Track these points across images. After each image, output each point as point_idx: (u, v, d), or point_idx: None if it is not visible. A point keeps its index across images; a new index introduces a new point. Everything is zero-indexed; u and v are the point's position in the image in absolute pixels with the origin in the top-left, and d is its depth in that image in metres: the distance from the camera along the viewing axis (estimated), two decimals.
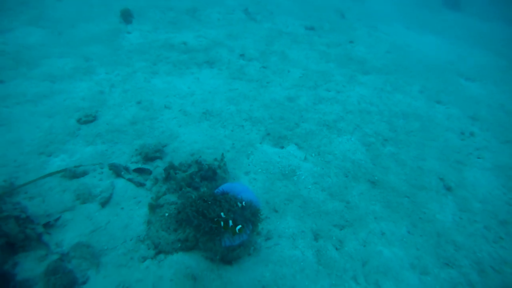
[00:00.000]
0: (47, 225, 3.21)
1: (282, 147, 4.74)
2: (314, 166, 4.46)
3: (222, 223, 2.57)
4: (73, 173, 3.83)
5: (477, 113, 6.75)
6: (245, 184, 3.98)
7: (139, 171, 4.07)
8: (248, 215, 2.74)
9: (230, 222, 2.57)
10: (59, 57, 6.13)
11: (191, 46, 7.36)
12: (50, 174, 3.78)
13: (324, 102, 6.11)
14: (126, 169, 4.08)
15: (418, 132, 5.73)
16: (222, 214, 2.66)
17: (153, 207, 3.23)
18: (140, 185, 3.89)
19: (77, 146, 4.30)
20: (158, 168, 4.09)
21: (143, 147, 4.30)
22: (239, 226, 2.58)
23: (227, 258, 3.07)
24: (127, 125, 4.74)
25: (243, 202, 2.79)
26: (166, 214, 3.15)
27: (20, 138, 4.19)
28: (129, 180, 3.92)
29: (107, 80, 5.71)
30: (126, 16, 8.30)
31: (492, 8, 18.91)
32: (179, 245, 3.04)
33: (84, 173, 3.92)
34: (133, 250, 3.10)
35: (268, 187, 4.06)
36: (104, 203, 3.59)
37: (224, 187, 3.12)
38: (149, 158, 4.26)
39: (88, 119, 4.72)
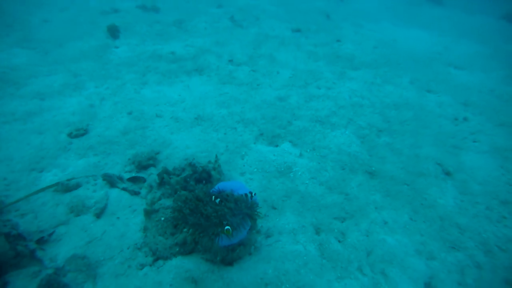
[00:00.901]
0: (40, 241, 3.12)
1: (277, 146, 4.70)
2: (310, 162, 4.42)
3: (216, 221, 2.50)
4: (65, 187, 3.75)
5: (468, 99, 6.77)
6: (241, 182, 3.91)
7: (133, 180, 4.00)
8: (245, 208, 2.67)
9: (224, 223, 2.51)
10: (47, 75, 6.10)
11: (179, 55, 7.37)
12: (42, 190, 3.71)
13: (315, 99, 6.11)
14: (120, 178, 4.01)
15: (411, 121, 5.72)
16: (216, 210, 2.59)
17: (149, 213, 3.16)
18: (135, 193, 3.82)
19: (69, 160, 4.24)
20: (152, 175, 4.02)
21: (136, 156, 4.25)
22: (227, 227, 2.51)
23: (228, 259, 2.99)
24: (119, 135, 4.69)
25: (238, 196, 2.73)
26: (162, 219, 3.08)
27: (9, 157, 4.11)
28: (124, 189, 3.85)
29: (97, 94, 5.67)
30: (113, 32, 8.33)
31: (474, 2, 19.24)
32: (177, 249, 2.96)
33: (77, 186, 3.85)
34: (130, 258, 3.01)
35: (265, 186, 4.00)
36: (99, 214, 3.52)
37: (220, 185, 3.05)
38: (142, 166, 4.20)
39: (79, 133, 4.67)
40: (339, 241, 3.37)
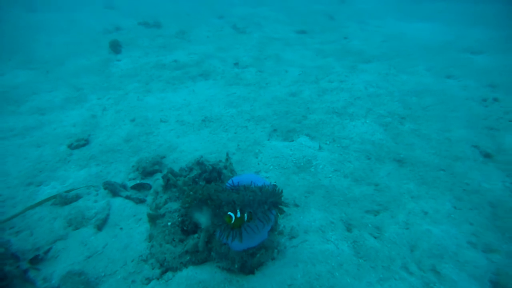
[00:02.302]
0: (35, 260, 2.75)
1: (293, 140, 4.29)
2: (331, 154, 3.98)
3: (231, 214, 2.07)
4: (64, 199, 3.41)
5: (494, 81, 6.25)
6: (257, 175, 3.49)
7: (137, 187, 3.64)
8: (271, 197, 2.25)
9: (238, 213, 2.08)
10: (49, 91, 5.91)
11: (183, 62, 7.14)
12: (39, 204, 3.37)
13: (328, 92, 5.72)
14: (123, 186, 3.65)
15: (435, 105, 5.25)
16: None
17: (153, 218, 2.76)
18: (140, 201, 3.45)
19: (69, 172, 3.92)
20: (158, 181, 3.64)
21: (140, 161, 3.90)
22: (229, 213, 2.10)
23: (248, 266, 2.55)
24: (121, 143, 4.37)
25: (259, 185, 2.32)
26: (169, 224, 2.68)
27: (5, 172, 3.82)
28: (127, 197, 3.48)
29: (99, 105, 5.42)
30: (115, 46, 8.21)
31: None
32: (188, 257, 2.54)
33: (77, 197, 3.50)
34: (135, 272, 2.60)
35: (284, 183, 3.57)
36: (101, 225, 3.14)
37: (235, 179, 2.65)
38: (147, 172, 3.84)
39: (80, 143, 4.37)
40: (374, 237, 2.89)
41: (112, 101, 5.54)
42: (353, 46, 8.76)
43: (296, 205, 3.21)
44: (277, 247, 2.76)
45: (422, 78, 6.49)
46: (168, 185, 3.13)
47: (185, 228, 2.61)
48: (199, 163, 3.24)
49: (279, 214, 2.44)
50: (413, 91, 5.83)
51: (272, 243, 2.68)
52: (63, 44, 8.86)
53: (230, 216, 2.07)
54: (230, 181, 2.65)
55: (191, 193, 2.23)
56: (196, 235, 2.59)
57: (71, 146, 4.34)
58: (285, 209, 3.01)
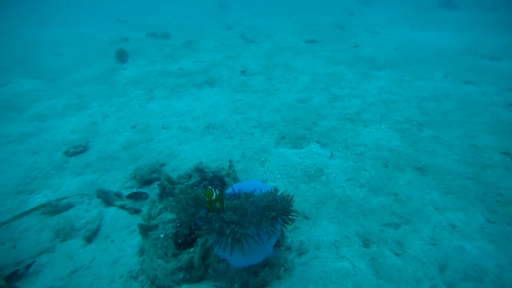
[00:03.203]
0: (13, 276, 2.47)
1: (302, 148, 3.98)
2: (345, 162, 3.65)
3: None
4: (54, 208, 3.15)
5: None
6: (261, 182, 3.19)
7: (133, 196, 3.36)
8: (276, 202, 1.94)
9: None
10: (51, 98, 5.78)
11: (188, 70, 6.98)
12: (27, 213, 3.12)
13: (340, 99, 5.42)
14: (118, 195, 3.38)
15: (456, 111, 4.88)
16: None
17: (145, 229, 2.46)
18: (135, 211, 3.16)
19: (64, 180, 3.68)
20: (156, 190, 3.37)
21: (138, 169, 3.64)
22: (209, 187, 1.87)
23: (250, 286, 2.20)
24: (120, 150, 4.13)
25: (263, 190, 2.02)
26: (162, 235, 2.38)
27: None
28: (121, 207, 3.20)
29: (100, 112, 5.24)
30: (122, 56, 8.14)
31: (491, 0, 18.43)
32: (182, 275, 2.22)
33: (68, 206, 3.24)
34: None
35: (292, 193, 3.24)
36: (90, 237, 2.86)
37: (235, 187, 2.35)
38: (145, 181, 3.57)
39: (77, 150, 4.15)
40: (396, 254, 2.52)
41: (114, 108, 5.35)
42: (364, 53, 8.49)
43: (306, 217, 2.87)
44: (284, 264, 2.41)
45: (439, 84, 6.14)
46: (164, 193, 2.84)
47: (179, 241, 2.30)
48: (199, 169, 2.95)
49: (285, 227, 2.11)
50: (431, 96, 5.48)
51: (278, 259, 2.34)
52: (70, 55, 8.85)
53: (211, 190, 1.81)
54: (230, 189, 2.35)
55: (181, 196, 1.94)
56: (191, 249, 2.28)
57: (67, 153, 4.13)
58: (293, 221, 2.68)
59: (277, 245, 2.43)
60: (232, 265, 2.11)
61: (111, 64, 7.77)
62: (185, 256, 2.23)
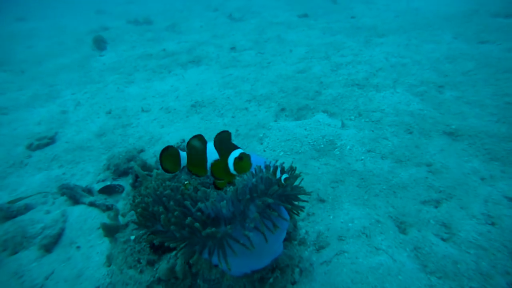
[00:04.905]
0: None
1: (306, 119, 3.36)
2: (359, 131, 3.03)
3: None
4: (5, 212, 2.52)
5: None
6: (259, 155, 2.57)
7: (106, 190, 2.74)
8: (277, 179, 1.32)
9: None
10: (17, 90, 5.10)
11: (172, 50, 6.28)
12: None
13: (343, 66, 4.77)
14: (88, 190, 2.76)
15: (478, 70, 4.26)
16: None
17: (111, 230, 1.85)
18: (108, 208, 2.55)
19: (23, 178, 3.05)
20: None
21: (112, 158, 3.01)
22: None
23: None
24: (92, 139, 3.50)
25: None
26: (132, 237, 1.76)
27: None
28: (91, 204, 2.58)
29: (72, 100, 4.58)
30: (99, 43, 7.41)
31: None
32: None
33: (26, 208, 2.62)
34: None
35: (301, 171, 2.62)
36: (50, 245, 2.24)
37: None
38: (121, 171, 2.95)
39: (42, 143, 3.51)
40: (443, 239, 1.92)
41: (88, 95, 4.69)
42: (363, 23, 7.81)
43: (322, 200, 2.27)
44: (299, 264, 1.81)
45: (451, 45, 5.51)
46: (137, 182, 2.21)
47: (155, 242, 1.68)
48: (180, 149, 2.31)
49: (295, 215, 1.49)
50: (445, 57, 4.86)
51: (291, 259, 1.73)
52: (45, 46, 8.11)
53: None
54: None
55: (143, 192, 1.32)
56: (173, 253, 1.67)
57: (31, 147, 3.48)
58: (305, 205, 2.08)
59: (288, 239, 1.82)
60: (228, 273, 1.50)
61: (88, 52, 7.06)
62: (164, 264, 1.62)
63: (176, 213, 1.24)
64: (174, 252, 1.68)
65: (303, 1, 12.15)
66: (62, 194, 2.67)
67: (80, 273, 1.98)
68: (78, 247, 2.23)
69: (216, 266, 1.53)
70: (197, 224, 1.18)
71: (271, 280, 1.58)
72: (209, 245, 1.23)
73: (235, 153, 1.07)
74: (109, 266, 1.92)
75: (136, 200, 1.37)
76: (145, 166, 2.34)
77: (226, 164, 1.07)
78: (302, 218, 2.14)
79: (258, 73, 4.76)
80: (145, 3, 15.06)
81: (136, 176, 2.21)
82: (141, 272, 1.66)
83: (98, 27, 9.79)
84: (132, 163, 2.97)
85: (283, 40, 6.65)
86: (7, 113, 4.32)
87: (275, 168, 1.32)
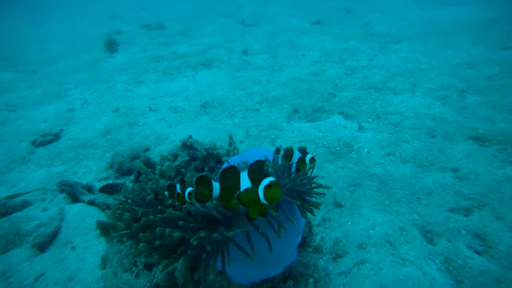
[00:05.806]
0: None
1: (321, 120, 3.18)
2: (378, 134, 2.83)
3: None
4: (1, 207, 2.39)
5: None
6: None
7: (108, 189, 2.59)
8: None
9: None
10: (27, 89, 5.07)
11: (183, 53, 6.22)
12: None
13: (358, 71, 4.60)
14: (89, 188, 2.62)
15: (503, 74, 4.05)
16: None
17: (107, 229, 1.68)
18: (108, 208, 2.39)
19: (24, 174, 2.94)
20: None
21: (116, 156, 2.87)
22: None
23: None
24: (97, 136, 3.38)
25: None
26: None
27: None
28: (91, 202, 2.44)
29: (80, 98, 4.51)
30: (111, 45, 7.42)
31: None
32: None
33: (23, 205, 2.49)
34: None
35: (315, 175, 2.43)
36: (44, 244, 2.09)
37: (232, 160, 1.57)
38: (125, 170, 2.80)
39: (46, 139, 3.42)
40: (477, 252, 1.70)
41: (96, 94, 4.61)
42: (378, 30, 7.67)
43: (338, 205, 2.07)
44: (313, 274, 1.61)
45: (471, 51, 5.31)
46: (139, 178, 2.06)
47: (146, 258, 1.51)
48: (187, 145, 2.17)
49: (310, 213, 1.30)
50: (466, 63, 4.65)
51: (306, 267, 1.54)
52: (58, 48, 8.18)
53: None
54: (225, 165, 1.57)
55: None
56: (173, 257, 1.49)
57: (34, 143, 3.39)
58: (320, 213, 1.89)
59: (302, 245, 1.63)
60: (235, 281, 1.32)
61: (99, 54, 7.05)
62: (161, 271, 1.44)
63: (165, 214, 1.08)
64: (174, 255, 1.50)
65: (317, 9, 12.13)
66: (62, 191, 2.53)
67: (72, 275, 1.82)
68: (73, 247, 2.07)
69: (221, 272, 1.35)
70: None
71: None
72: (209, 250, 1.05)
73: (265, 181, 0.91)
74: (103, 268, 1.75)
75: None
76: (148, 163, 2.19)
77: (257, 193, 0.92)
78: (317, 223, 1.95)
79: (270, 75, 4.62)
80: (159, 10, 15.25)
81: (139, 173, 2.06)
82: (137, 276, 1.48)
83: (111, 30, 9.88)
84: (136, 162, 2.83)
85: (296, 45, 6.54)
86: (15, 110, 4.26)
87: (290, 150, 1.13)
